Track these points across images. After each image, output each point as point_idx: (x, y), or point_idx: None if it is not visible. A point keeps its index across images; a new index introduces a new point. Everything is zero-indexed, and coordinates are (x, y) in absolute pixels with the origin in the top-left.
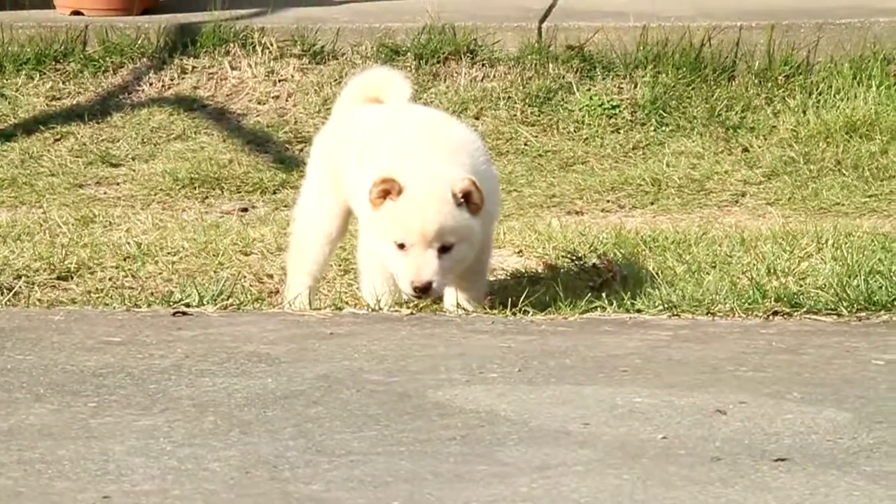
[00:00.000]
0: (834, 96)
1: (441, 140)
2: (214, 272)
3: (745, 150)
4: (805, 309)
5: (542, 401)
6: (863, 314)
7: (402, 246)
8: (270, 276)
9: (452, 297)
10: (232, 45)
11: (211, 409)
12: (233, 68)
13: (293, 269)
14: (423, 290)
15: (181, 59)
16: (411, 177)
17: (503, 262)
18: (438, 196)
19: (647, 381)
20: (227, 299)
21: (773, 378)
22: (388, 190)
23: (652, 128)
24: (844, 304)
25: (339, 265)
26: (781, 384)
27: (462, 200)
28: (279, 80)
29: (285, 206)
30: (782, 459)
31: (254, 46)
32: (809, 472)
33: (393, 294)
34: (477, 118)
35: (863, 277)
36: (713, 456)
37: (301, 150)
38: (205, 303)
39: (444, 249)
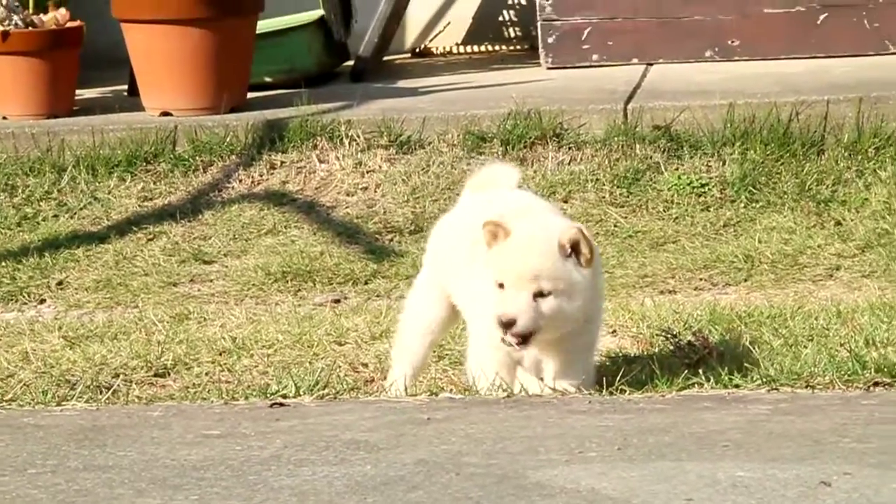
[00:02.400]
0: None
1: (545, 205)
2: (310, 363)
3: (838, 223)
4: None
5: (644, 478)
6: None
7: (501, 286)
8: (365, 365)
9: (550, 379)
10: (319, 138)
11: (312, 498)
12: (321, 161)
13: (394, 357)
14: (508, 325)
15: (269, 155)
16: (519, 222)
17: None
18: (542, 240)
19: (748, 456)
20: (324, 389)
21: (878, 448)
22: (495, 233)
23: (742, 204)
24: None
25: (435, 351)
26: (886, 454)
27: (570, 252)
28: (367, 172)
29: (377, 296)
30: None
31: (341, 139)
32: None
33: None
34: (566, 201)
35: None
36: None
37: (391, 239)
38: (301, 393)
39: (539, 295)
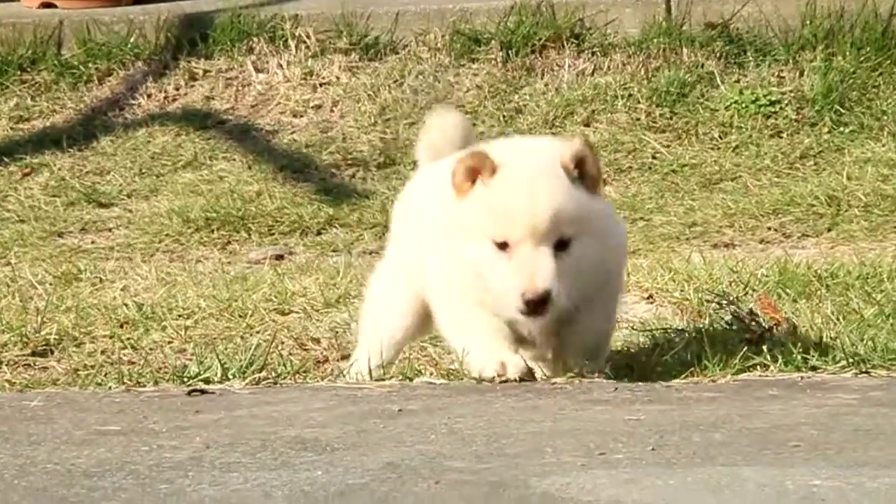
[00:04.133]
0: None
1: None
2: (242, 338)
3: None
4: None
5: (686, 487)
6: None
7: (503, 245)
8: (317, 341)
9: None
10: (256, 39)
11: None
12: (258, 71)
13: (361, 337)
14: (540, 304)
15: (188, 62)
16: (508, 152)
17: (628, 310)
18: (546, 170)
19: (827, 459)
20: (260, 371)
21: None
22: (476, 168)
23: (826, 129)
24: None
25: None
26: None
27: (576, 173)
28: (320, 84)
29: (333, 251)
30: None
31: (285, 41)
32: None
33: (518, 351)
34: (587, 125)
35: None
36: None
37: (353, 175)
38: (230, 377)
39: (560, 246)
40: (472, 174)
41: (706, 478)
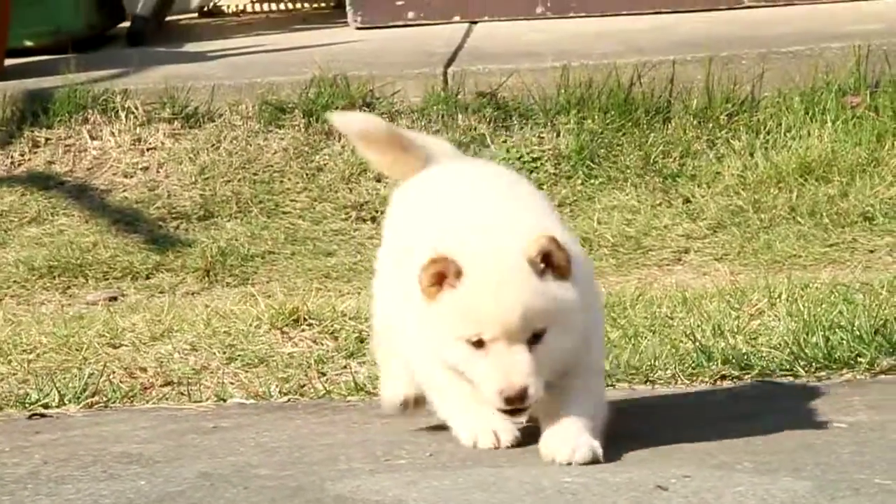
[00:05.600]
0: (784, 135)
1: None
2: (78, 369)
3: (687, 200)
4: (757, 371)
5: (458, 486)
6: (822, 373)
7: (478, 343)
8: (144, 370)
9: (556, 425)
10: (91, 111)
11: None
12: (93, 138)
13: (380, 363)
14: (519, 399)
15: (32, 131)
16: (471, 251)
17: None
18: (513, 268)
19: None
20: (93, 397)
21: (722, 448)
22: (442, 273)
23: (579, 181)
24: (801, 363)
25: (224, 352)
26: (731, 454)
27: (542, 266)
28: (148, 149)
29: (160, 293)
30: None
31: (116, 112)
32: None
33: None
34: (378, 180)
35: (821, 333)
36: None
37: (177, 227)
38: (66, 402)
39: (533, 339)
40: (439, 278)
41: (476, 478)
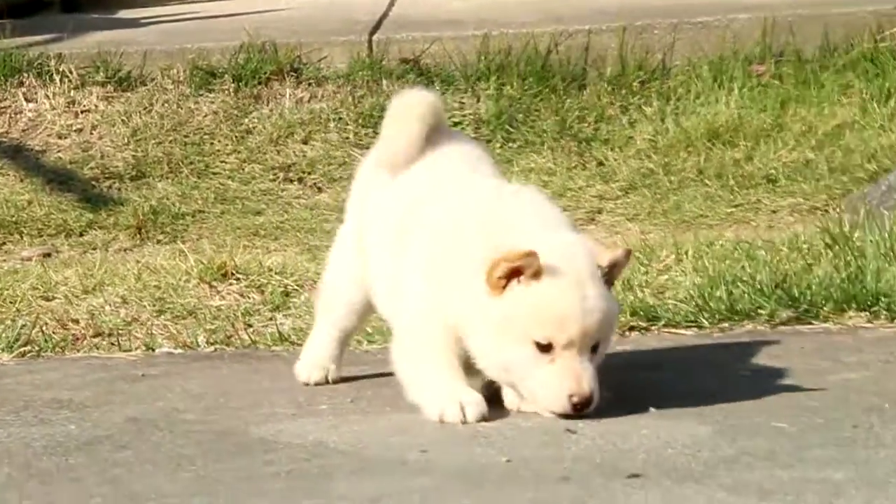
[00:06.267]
0: (693, 101)
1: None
2: (12, 320)
3: (601, 163)
4: (663, 322)
5: (377, 430)
6: (725, 325)
7: (546, 348)
8: (76, 321)
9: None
10: (26, 75)
11: (6, 461)
12: (28, 100)
13: (318, 315)
14: (586, 405)
15: None
16: (551, 252)
17: None
18: (593, 275)
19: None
20: (25, 346)
21: (629, 395)
22: (519, 270)
23: (498, 144)
24: (705, 315)
25: (154, 304)
26: (637, 400)
27: (606, 277)
28: (81, 112)
29: (93, 249)
30: (636, 476)
31: (51, 75)
32: (665, 487)
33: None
34: (305, 143)
35: (725, 288)
36: (561, 476)
37: (109, 186)
38: None
39: (594, 348)
40: (514, 274)
41: (395, 422)
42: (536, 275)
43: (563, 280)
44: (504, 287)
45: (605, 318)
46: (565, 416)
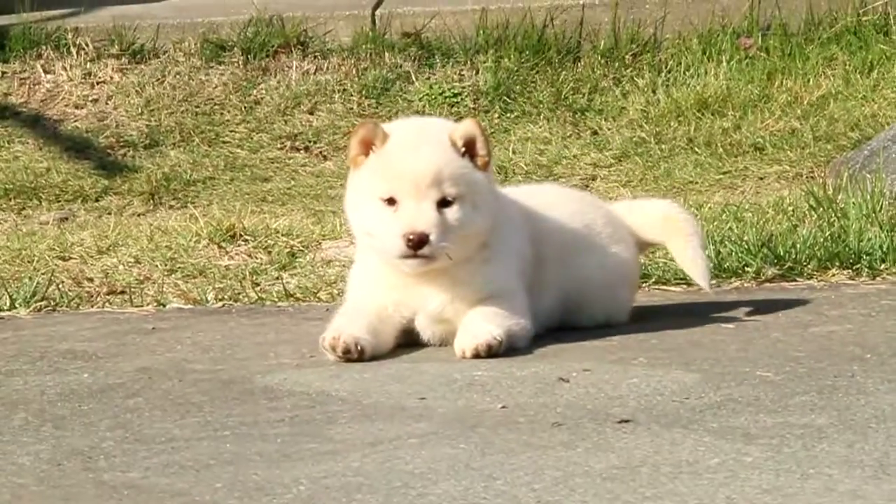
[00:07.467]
0: (684, 73)
1: None
2: (29, 278)
3: (595, 132)
4: (654, 279)
5: (377, 379)
6: (713, 282)
7: (390, 201)
8: (90, 280)
9: (463, 325)
10: (44, 47)
11: (21, 407)
12: (46, 72)
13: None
14: (418, 244)
15: None
16: (399, 125)
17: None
18: (434, 136)
19: (486, 362)
20: (41, 301)
21: (619, 346)
22: (369, 139)
23: (496, 115)
24: None
25: (165, 264)
26: (627, 351)
27: (464, 150)
28: (97, 83)
29: (108, 214)
30: (626, 421)
31: (68, 48)
32: (654, 432)
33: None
34: (311, 113)
35: (713, 246)
36: (554, 421)
37: (124, 154)
38: (17, 305)
39: (443, 203)
40: (366, 146)
41: (394, 371)
42: (383, 141)
43: (403, 143)
44: (362, 161)
45: (442, 172)
46: (407, 258)
